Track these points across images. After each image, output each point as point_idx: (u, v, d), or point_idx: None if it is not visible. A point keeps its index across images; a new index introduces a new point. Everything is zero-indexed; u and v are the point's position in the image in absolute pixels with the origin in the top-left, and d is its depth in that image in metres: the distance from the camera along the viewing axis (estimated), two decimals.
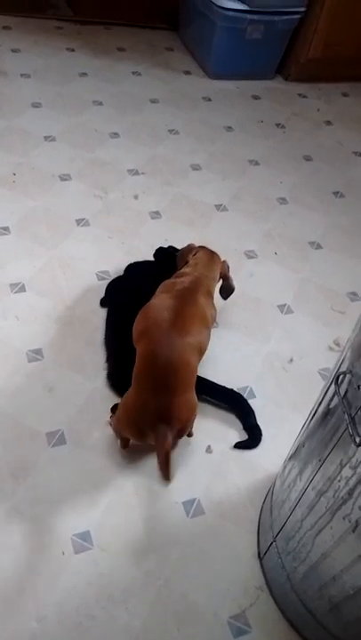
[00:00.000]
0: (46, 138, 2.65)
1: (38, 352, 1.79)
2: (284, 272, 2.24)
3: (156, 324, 1.51)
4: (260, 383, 1.83)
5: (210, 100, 3.17)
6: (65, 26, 3.52)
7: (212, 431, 1.68)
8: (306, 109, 3.25)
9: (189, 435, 1.62)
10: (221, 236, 2.32)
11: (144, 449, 1.57)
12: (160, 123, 2.90)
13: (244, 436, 1.68)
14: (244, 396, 1.76)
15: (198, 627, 1.32)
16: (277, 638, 1.33)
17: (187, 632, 1.31)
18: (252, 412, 1.71)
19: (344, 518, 1.02)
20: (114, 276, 2.05)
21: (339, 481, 1.01)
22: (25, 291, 1.96)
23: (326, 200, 2.63)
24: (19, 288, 1.97)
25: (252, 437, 1.67)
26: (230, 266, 1.87)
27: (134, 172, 2.56)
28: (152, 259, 2.09)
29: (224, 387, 1.74)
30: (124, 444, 1.57)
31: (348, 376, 0.98)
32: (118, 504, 1.49)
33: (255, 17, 3.00)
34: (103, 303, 1.96)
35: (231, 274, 1.86)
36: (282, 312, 2.08)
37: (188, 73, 3.35)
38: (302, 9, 3.09)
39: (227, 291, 1.88)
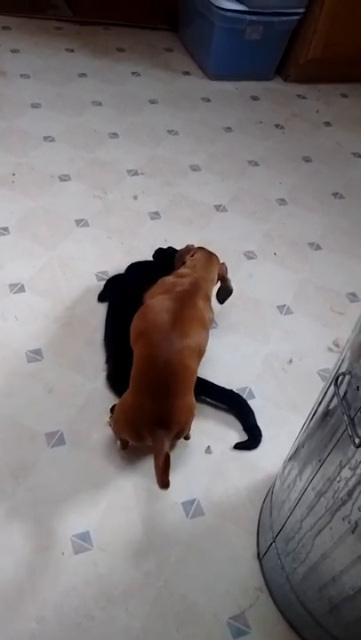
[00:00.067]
0: (46, 138, 2.65)
1: (38, 352, 1.79)
2: (284, 273, 2.24)
3: (155, 325, 1.51)
4: (259, 384, 1.83)
5: (209, 100, 3.17)
6: (64, 26, 3.52)
7: (211, 432, 1.68)
8: (305, 110, 3.25)
9: (187, 437, 1.62)
10: (221, 237, 2.32)
11: (143, 450, 1.57)
12: (159, 123, 2.90)
13: (244, 437, 1.68)
14: (244, 396, 1.76)
15: (198, 627, 1.32)
16: (277, 639, 1.33)
17: (186, 633, 1.31)
18: (252, 412, 1.71)
19: (344, 519, 1.02)
20: None
21: (338, 482, 1.01)
22: (24, 291, 1.96)
23: (326, 201, 2.63)
24: (18, 288, 1.97)
25: (251, 438, 1.67)
26: (230, 266, 1.87)
27: (134, 173, 2.56)
28: (152, 259, 2.09)
29: (223, 387, 1.74)
30: (124, 444, 1.57)
31: (347, 377, 0.98)
32: (118, 504, 1.49)
33: (254, 18, 3.00)
34: (101, 298, 1.97)
35: (230, 274, 1.86)
36: (281, 313, 2.08)
37: (187, 74, 3.35)
38: (301, 10, 3.09)
39: (224, 293, 1.87)
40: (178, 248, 1.97)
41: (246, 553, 1.45)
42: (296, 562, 1.23)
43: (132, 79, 3.21)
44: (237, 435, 1.69)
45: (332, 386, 1.00)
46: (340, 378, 0.99)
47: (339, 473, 1.01)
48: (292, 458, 1.30)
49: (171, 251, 2.05)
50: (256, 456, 1.65)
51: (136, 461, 1.57)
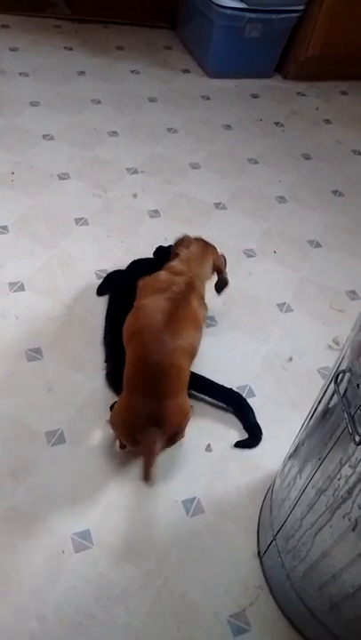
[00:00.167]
0: (45, 137, 2.65)
1: (38, 351, 1.79)
2: (284, 271, 2.24)
3: (147, 326, 1.50)
4: (259, 382, 1.83)
5: (209, 98, 3.16)
6: (63, 24, 3.51)
7: (211, 430, 1.68)
8: (305, 108, 3.25)
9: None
10: (220, 235, 2.31)
11: None
12: (159, 121, 2.90)
13: (244, 435, 1.68)
14: (244, 395, 1.76)
15: (198, 626, 1.32)
16: (277, 637, 1.33)
17: (187, 631, 1.31)
18: (252, 411, 1.71)
19: (344, 517, 1.02)
20: None
21: (338, 479, 1.01)
22: (24, 290, 1.96)
23: (325, 199, 2.63)
24: (18, 287, 1.97)
25: (252, 436, 1.67)
26: (229, 264, 1.86)
27: (133, 171, 2.56)
28: (152, 257, 2.09)
29: (223, 386, 1.74)
30: (122, 444, 1.56)
31: (347, 374, 0.98)
32: (118, 503, 1.49)
33: (254, 15, 3.00)
34: (100, 291, 1.97)
35: (230, 272, 1.85)
36: (281, 311, 2.07)
37: (186, 72, 3.35)
38: (301, 7, 3.09)
39: (221, 285, 1.84)
40: None
41: (246, 551, 1.45)
42: (296, 560, 1.23)
43: (132, 77, 3.20)
44: (237, 433, 1.69)
45: (333, 383, 1.00)
46: (341, 375, 0.98)
47: (339, 471, 1.00)
48: (292, 456, 1.30)
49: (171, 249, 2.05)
50: (256, 454, 1.65)
51: (136, 460, 1.57)
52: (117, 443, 1.58)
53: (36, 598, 1.31)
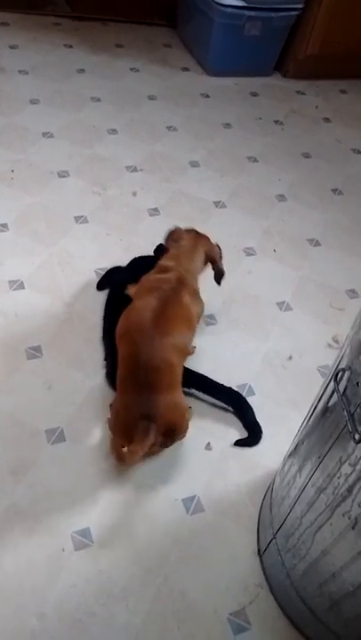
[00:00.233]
0: (44, 134, 2.64)
1: (37, 349, 1.78)
2: (283, 269, 2.24)
3: (137, 325, 1.50)
4: (259, 381, 1.83)
5: (208, 96, 3.16)
6: (63, 22, 3.50)
7: (211, 429, 1.68)
8: (304, 106, 3.24)
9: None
10: (220, 233, 2.30)
11: None
12: (158, 119, 2.90)
13: (244, 434, 1.68)
14: (244, 393, 1.76)
15: (198, 624, 1.32)
16: (277, 635, 1.33)
17: (187, 629, 1.31)
18: (252, 409, 1.71)
19: (344, 515, 1.02)
20: None
21: (338, 478, 1.01)
22: (24, 288, 1.96)
23: (325, 197, 2.63)
24: (17, 285, 1.97)
25: (252, 435, 1.67)
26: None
27: (133, 169, 2.56)
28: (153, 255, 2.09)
29: (223, 384, 1.74)
30: (120, 457, 1.55)
31: (347, 373, 0.98)
32: (118, 501, 1.49)
33: (253, 13, 2.99)
34: (100, 286, 1.97)
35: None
36: (281, 309, 2.07)
37: (186, 70, 3.34)
38: (300, 5, 3.08)
39: (218, 276, 1.82)
40: None
41: (246, 549, 1.46)
42: (296, 558, 1.23)
43: (131, 75, 3.20)
44: (237, 432, 1.69)
45: (332, 382, 1.00)
46: (340, 374, 0.98)
47: (339, 469, 1.01)
48: (291, 454, 1.30)
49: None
50: (256, 453, 1.65)
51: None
52: (115, 454, 1.54)
53: (37, 596, 1.31)
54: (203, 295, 1.73)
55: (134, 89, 3.08)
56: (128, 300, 1.70)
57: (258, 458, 1.64)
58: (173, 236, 1.79)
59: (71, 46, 3.31)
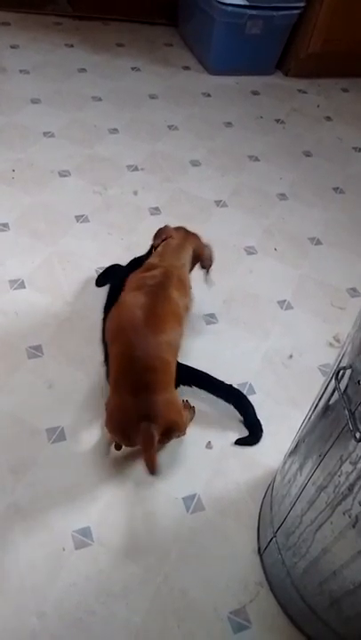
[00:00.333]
0: (45, 134, 2.64)
1: (38, 348, 1.78)
2: (284, 268, 2.23)
3: (128, 323, 1.48)
4: (259, 379, 1.83)
5: (209, 95, 3.16)
6: (64, 22, 3.50)
7: (212, 427, 1.68)
8: (305, 105, 3.24)
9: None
10: (221, 232, 2.31)
11: None
12: (159, 118, 2.89)
13: (245, 433, 1.68)
14: (244, 392, 1.76)
15: (198, 622, 1.32)
16: (278, 634, 1.33)
17: (187, 628, 1.31)
18: (252, 408, 1.71)
19: (344, 513, 1.02)
20: None
21: (339, 476, 1.01)
22: (24, 287, 1.96)
23: (326, 196, 2.63)
24: (18, 284, 1.97)
25: (252, 434, 1.67)
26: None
27: (133, 168, 2.56)
28: None
29: (223, 382, 1.74)
30: (118, 445, 1.56)
31: (348, 371, 0.97)
32: (118, 500, 1.49)
33: (254, 12, 2.99)
34: (99, 282, 1.98)
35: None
36: (281, 308, 2.07)
37: (187, 69, 3.34)
38: (302, 4, 3.08)
39: (206, 266, 1.79)
40: None
41: (246, 548, 1.45)
42: (297, 556, 1.23)
43: (132, 74, 3.20)
44: (238, 430, 1.69)
45: (333, 380, 1.00)
46: (341, 372, 0.98)
47: (339, 467, 1.00)
48: (292, 453, 1.30)
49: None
50: (256, 451, 1.65)
51: (136, 456, 1.57)
52: (112, 446, 1.57)
53: (37, 595, 1.32)
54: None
55: (135, 88, 3.08)
56: None
57: (258, 456, 1.64)
58: (161, 234, 1.78)
59: (72, 46, 3.31)
